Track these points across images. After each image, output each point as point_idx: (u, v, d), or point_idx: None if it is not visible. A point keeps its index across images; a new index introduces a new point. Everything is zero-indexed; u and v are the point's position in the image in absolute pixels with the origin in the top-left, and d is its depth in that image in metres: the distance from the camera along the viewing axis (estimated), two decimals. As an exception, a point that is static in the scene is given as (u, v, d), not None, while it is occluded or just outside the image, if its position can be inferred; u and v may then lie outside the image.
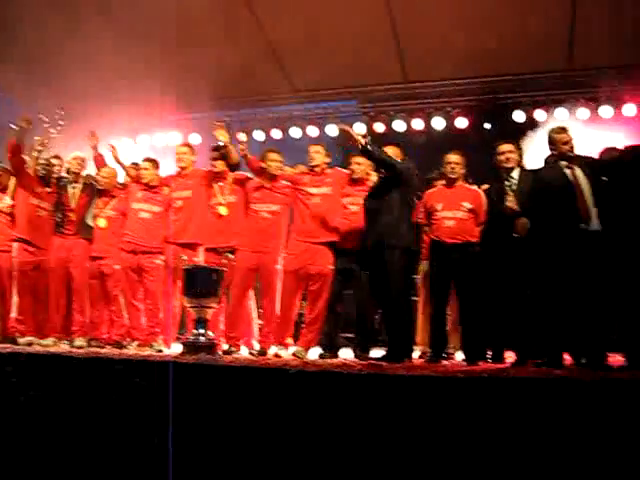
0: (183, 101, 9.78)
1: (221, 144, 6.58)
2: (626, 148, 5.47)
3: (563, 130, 5.39)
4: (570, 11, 7.94)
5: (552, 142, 5.38)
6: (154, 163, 6.81)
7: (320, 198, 6.23)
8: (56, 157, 7.02)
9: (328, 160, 6.38)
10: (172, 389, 4.43)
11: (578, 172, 5.17)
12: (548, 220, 5.18)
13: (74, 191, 6.87)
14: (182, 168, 6.76)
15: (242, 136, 9.74)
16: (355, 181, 6.24)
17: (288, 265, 6.21)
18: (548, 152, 5.97)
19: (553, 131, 5.44)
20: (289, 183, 6.43)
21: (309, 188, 6.28)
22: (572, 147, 5.29)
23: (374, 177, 6.17)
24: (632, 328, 4.98)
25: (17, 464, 4.65)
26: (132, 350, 6.25)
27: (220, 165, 6.58)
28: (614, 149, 5.68)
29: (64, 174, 6.99)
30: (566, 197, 5.11)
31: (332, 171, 6.38)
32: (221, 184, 6.58)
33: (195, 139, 10.22)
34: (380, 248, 5.60)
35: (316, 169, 6.31)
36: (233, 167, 6.59)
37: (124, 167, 6.96)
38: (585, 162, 5.26)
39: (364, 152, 5.75)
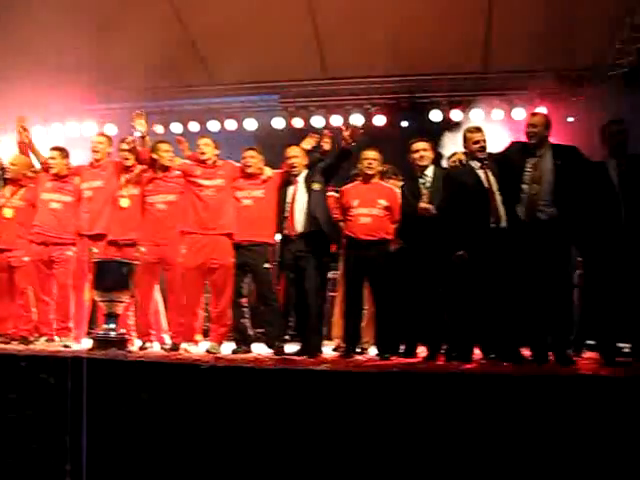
0: (100, 91, 9.58)
1: (138, 134, 6.41)
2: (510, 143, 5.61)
3: (477, 130, 5.49)
4: (487, 14, 8.11)
5: (465, 140, 5.49)
6: (62, 152, 6.60)
7: (213, 190, 6.16)
8: None
9: (217, 152, 6.33)
10: (80, 386, 4.34)
11: (490, 173, 5.28)
12: (462, 220, 5.28)
13: None
14: (97, 160, 6.58)
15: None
16: (248, 175, 6.21)
17: (189, 261, 6.09)
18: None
19: (467, 130, 5.55)
20: (181, 173, 6.35)
21: (201, 180, 6.21)
22: (483, 147, 5.39)
23: (267, 171, 6.19)
24: (539, 322, 5.13)
25: None
26: (39, 346, 6.05)
27: (132, 159, 6.43)
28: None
29: None
30: (480, 199, 5.23)
31: (224, 163, 6.34)
32: (127, 176, 6.45)
33: (111, 130, 9.98)
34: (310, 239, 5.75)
35: (208, 162, 6.24)
36: (142, 160, 6.41)
37: (37, 153, 6.71)
38: (493, 160, 5.38)
39: (349, 152, 5.88)
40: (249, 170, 6.17)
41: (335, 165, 5.98)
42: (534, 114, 5.55)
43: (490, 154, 5.43)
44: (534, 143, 5.20)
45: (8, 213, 6.53)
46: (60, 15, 8.01)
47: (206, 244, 6.08)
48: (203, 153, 6.22)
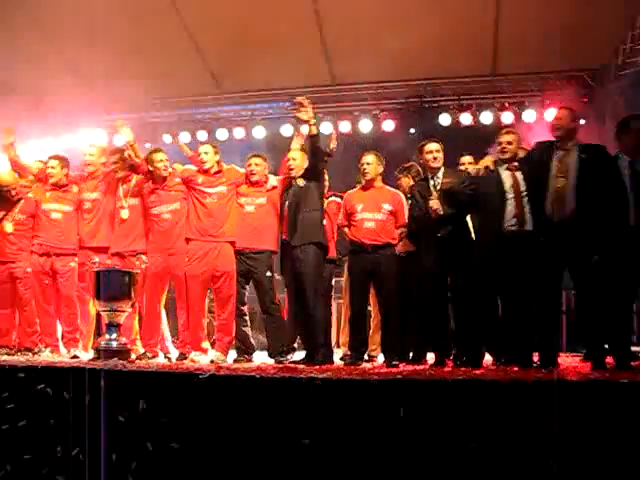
0: (110, 102, 9.60)
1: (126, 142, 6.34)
2: (535, 143, 5.49)
3: (505, 133, 5.35)
4: (495, 16, 8.04)
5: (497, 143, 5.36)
6: (61, 161, 6.54)
7: (216, 197, 6.10)
8: None
9: (217, 158, 6.24)
10: (80, 396, 4.29)
11: (519, 176, 5.17)
12: (481, 223, 5.22)
13: None
14: (90, 172, 6.54)
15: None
16: (252, 182, 6.14)
17: (193, 269, 6.02)
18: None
19: (498, 132, 5.42)
20: (181, 181, 6.28)
21: (203, 187, 6.14)
22: (505, 150, 5.24)
23: (272, 180, 6.13)
24: (550, 328, 5.03)
25: None
26: (43, 357, 6.01)
27: (121, 170, 6.37)
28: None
29: None
30: (496, 203, 5.13)
31: (227, 169, 6.27)
32: (125, 187, 6.39)
33: (120, 140, 9.99)
34: (301, 244, 5.67)
35: (211, 170, 6.18)
36: (136, 169, 6.35)
37: (24, 167, 6.66)
38: (522, 162, 5.27)
39: (312, 137, 5.73)
40: (254, 178, 6.10)
41: (311, 155, 5.88)
42: (560, 108, 5.39)
43: (520, 157, 5.31)
44: (559, 136, 5.06)
45: (9, 227, 6.49)
46: (72, 28, 8.12)
47: (208, 252, 6.02)
48: (204, 162, 6.16)
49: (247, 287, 6.09)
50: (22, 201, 6.57)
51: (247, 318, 6.07)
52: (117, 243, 6.29)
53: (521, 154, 5.36)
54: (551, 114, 5.38)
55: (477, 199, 5.31)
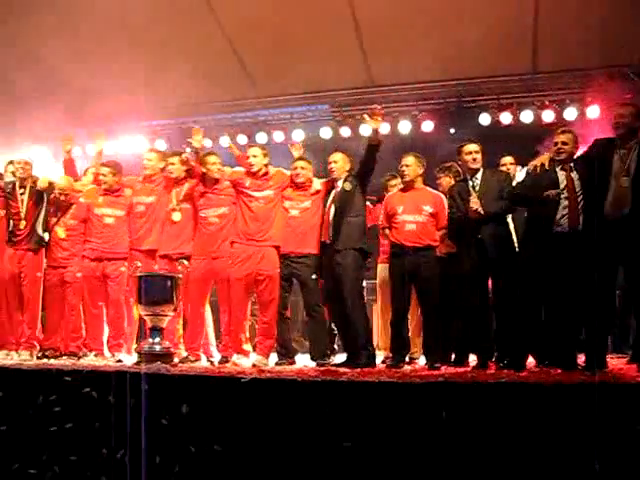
0: (149, 107, 9.70)
1: (190, 149, 6.43)
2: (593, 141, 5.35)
3: (561, 132, 5.24)
4: (534, 12, 7.93)
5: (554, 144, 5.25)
6: (113, 168, 6.63)
7: (263, 201, 6.15)
8: None
9: (266, 161, 6.27)
10: (123, 399, 4.35)
11: (574, 175, 5.07)
12: (531, 222, 5.17)
13: (22, 197, 6.66)
14: (148, 176, 6.63)
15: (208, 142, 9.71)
16: (297, 185, 6.16)
17: (236, 272, 6.07)
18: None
19: (555, 132, 5.33)
20: (230, 184, 6.33)
21: (251, 191, 6.19)
22: (560, 150, 5.12)
23: (317, 184, 6.14)
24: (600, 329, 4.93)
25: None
26: (88, 361, 6.11)
27: (177, 171, 6.45)
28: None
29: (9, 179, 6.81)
30: (555, 201, 5.03)
31: (275, 173, 6.29)
32: (178, 190, 6.46)
33: (161, 145, 10.14)
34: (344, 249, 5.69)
35: (259, 173, 6.21)
36: (193, 174, 6.42)
37: (76, 173, 6.83)
38: (579, 161, 5.16)
39: (375, 146, 5.77)
40: (299, 180, 6.12)
41: (366, 160, 5.86)
42: (622, 104, 5.23)
43: (580, 156, 5.21)
44: (622, 134, 4.92)
45: (61, 233, 6.61)
46: (108, 32, 8.23)
47: (252, 255, 6.06)
48: (252, 165, 6.19)
49: (290, 291, 6.12)
50: (74, 206, 6.68)
51: (289, 322, 6.09)
52: (166, 245, 6.36)
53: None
54: (613, 110, 5.18)
55: (529, 198, 5.21)
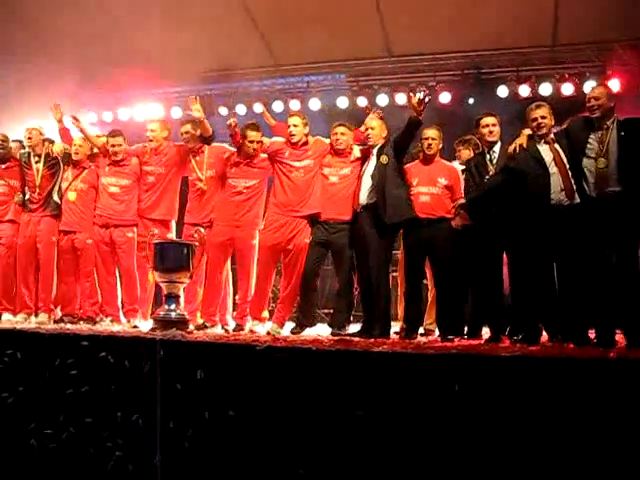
0: (165, 74, 9.67)
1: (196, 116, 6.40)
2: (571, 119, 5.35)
3: (536, 107, 5.25)
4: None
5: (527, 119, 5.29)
6: (123, 137, 6.68)
7: (303, 171, 6.13)
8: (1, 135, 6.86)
9: (307, 130, 6.24)
10: (138, 364, 4.40)
11: (558, 148, 5.09)
12: (524, 197, 5.14)
13: (37, 166, 6.70)
14: (154, 148, 6.64)
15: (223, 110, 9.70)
16: (337, 152, 6.13)
17: (266, 240, 6.11)
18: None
19: (529, 108, 5.33)
20: (266, 156, 6.32)
21: (290, 161, 6.17)
22: (540, 124, 5.15)
23: (357, 152, 6.11)
24: (606, 303, 4.93)
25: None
26: (104, 326, 6.18)
27: (192, 141, 6.46)
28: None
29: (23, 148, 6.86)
30: (539, 177, 5.06)
31: (313, 142, 6.25)
32: (198, 159, 6.47)
33: (176, 112, 10.13)
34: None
35: (299, 143, 6.18)
36: (208, 140, 6.46)
37: (91, 139, 6.80)
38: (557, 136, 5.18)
39: (416, 124, 5.69)
40: (339, 146, 6.09)
41: (404, 136, 5.79)
42: (595, 87, 5.35)
43: (558, 132, 5.22)
44: (597, 117, 4.95)
45: (72, 196, 6.65)
46: (129, 4, 8.19)
47: (284, 224, 6.08)
48: (293, 135, 6.16)
49: (324, 260, 6.18)
50: (85, 171, 6.72)
51: (316, 294, 6.16)
52: (194, 215, 6.41)
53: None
54: (589, 92, 5.19)
55: (517, 178, 5.19)
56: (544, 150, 5.12)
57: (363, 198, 5.82)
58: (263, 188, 6.36)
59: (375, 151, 5.91)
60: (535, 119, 5.18)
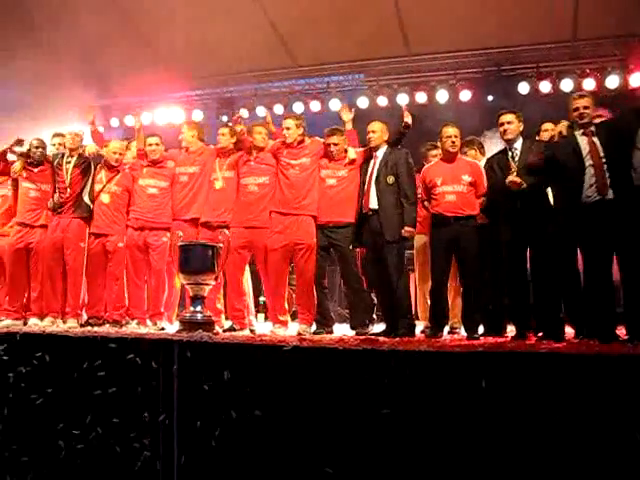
0: (186, 78, 9.75)
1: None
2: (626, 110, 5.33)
3: (579, 97, 5.22)
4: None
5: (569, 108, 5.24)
6: (160, 138, 6.74)
7: (299, 168, 6.18)
8: (37, 139, 6.87)
9: (301, 131, 6.28)
10: (166, 366, 4.45)
11: (596, 141, 5.03)
12: (559, 192, 5.14)
13: (68, 166, 6.70)
14: (189, 150, 6.71)
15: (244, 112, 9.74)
16: (331, 158, 6.20)
17: (274, 242, 6.12)
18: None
19: (571, 97, 5.29)
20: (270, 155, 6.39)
21: (287, 159, 6.24)
22: (582, 114, 5.10)
23: (351, 154, 6.15)
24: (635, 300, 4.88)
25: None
26: (131, 329, 6.20)
27: (224, 140, 6.53)
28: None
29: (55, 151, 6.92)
30: (575, 170, 5.00)
31: (311, 141, 6.32)
32: (221, 160, 6.53)
33: (197, 115, 10.20)
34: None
35: (294, 143, 6.24)
36: (241, 144, 6.50)
37: (141, 142, 6.83)
38: (603, 127, 5.12)
39: (407, 128, 5.94)
40: (333, 155, 6.16)
41: (396, 142, 6.02)
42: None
43: (602, 122, 5.18)
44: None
45: (105, 199, 6.66)
46: (151, 7, 8.28)
47: (289, 225, 6.10)
48: (286, 137, 6.24)
49: (328, 261, 6.17)
50: (119, 174, 6.76)
51: (327, 291, 6.13)
52: (207, 213, 6.44)
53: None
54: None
55: (555, 167, 5.16)
56: (583, 141, 5.07)
57: (374, 202, 5.86)
58: (274, 187, 6.35)
59: (381, 154, 5.97)
60: (577, 109, 5.13)
